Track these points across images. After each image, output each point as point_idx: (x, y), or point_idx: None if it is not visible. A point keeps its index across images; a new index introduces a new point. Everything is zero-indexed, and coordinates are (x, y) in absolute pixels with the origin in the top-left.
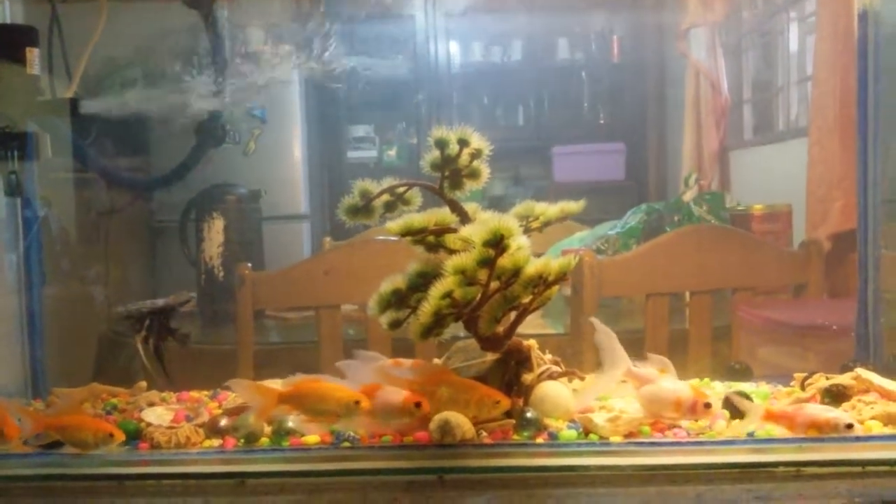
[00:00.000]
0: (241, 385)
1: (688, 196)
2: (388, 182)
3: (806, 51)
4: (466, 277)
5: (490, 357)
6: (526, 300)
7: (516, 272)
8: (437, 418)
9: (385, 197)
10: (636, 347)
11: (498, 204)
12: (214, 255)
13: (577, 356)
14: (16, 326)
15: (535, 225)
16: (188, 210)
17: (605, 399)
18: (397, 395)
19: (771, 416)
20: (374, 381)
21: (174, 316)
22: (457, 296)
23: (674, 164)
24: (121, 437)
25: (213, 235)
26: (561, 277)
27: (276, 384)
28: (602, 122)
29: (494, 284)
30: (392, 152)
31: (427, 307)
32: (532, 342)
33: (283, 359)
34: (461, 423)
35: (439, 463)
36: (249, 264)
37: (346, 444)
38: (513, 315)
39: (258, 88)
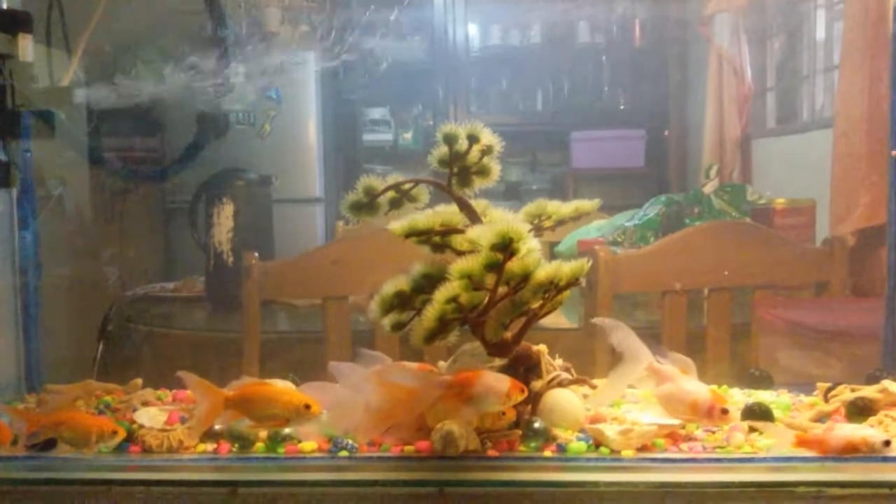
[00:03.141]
0: (192, 382)
1: (708, 188)
2: (393, 178)
3: (833, 38)
4: (473, 282)
5: (497, 363)
6: (535, 305)
7: (525, 277)
8: (440, 428)
9: (390, 193)
10: (652, 343)
11: (514, 190)
12: (224, 241)
13: (590, 354)
14: (10, 317)
15: (547, 224)
16: (198, 195)
17: (617, 406)
18: (501, 381)
19: (803, 443)
20: (369, 387)
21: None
22: (462, 301)
23: (695, 151)
24: (123, 433)
25: (222, 221)
26: (573, 283)
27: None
28: (622, 107)
29: (502, 290)
30: (408, 135)
31: (431, 312)
32: (542, 347)
33: (290, 348)
34: (465, 433)
35: (440, 475)
36: (256, 253)
37: (344, 452)
38: (521, 320)
39: (273, 69)
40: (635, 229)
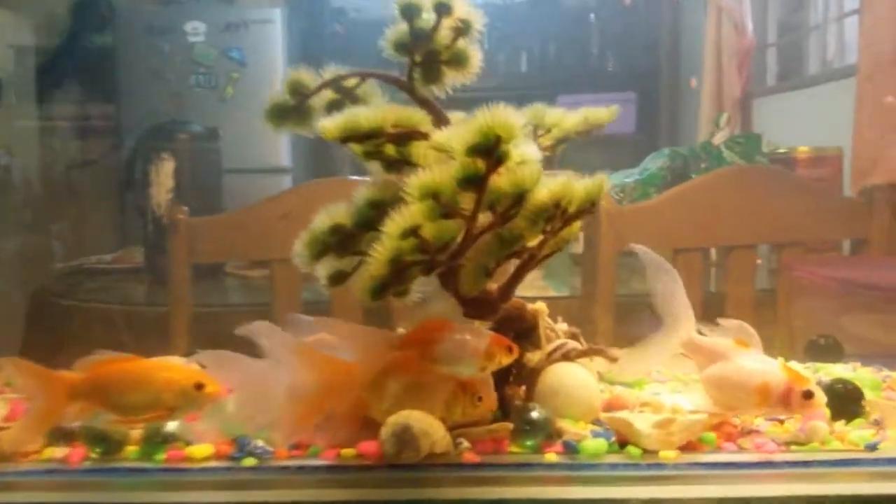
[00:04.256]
0: (16, 368)
1: (718, 139)
2: (332, 72)
3: None
4: (441, 205)
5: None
6: (533, 243)
7: (519, 198)
8: (392, 422)
9: (328, 94)
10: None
11: None
12: (163, 203)
13: (590, 326)
14: None
15: (545, 141)
16: (134, 151)
17: (640, 385)
18: (478, 336)
19: None
20: (291, 363)
21: None
22: (426, 234)
23: (689, 114)
24: None
25: (161, 179)
26: (587, 208)
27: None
28: (611, 69)
29: (484, 217)
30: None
31: (381, 252)
32: (540, 306)
33: (232, 322)
34: (429, 429)
35: (393, 494)
36: (186, 208)
37: (251, 460)
38: (512, 264)
39: (236, 28)
40: (636, 185)
